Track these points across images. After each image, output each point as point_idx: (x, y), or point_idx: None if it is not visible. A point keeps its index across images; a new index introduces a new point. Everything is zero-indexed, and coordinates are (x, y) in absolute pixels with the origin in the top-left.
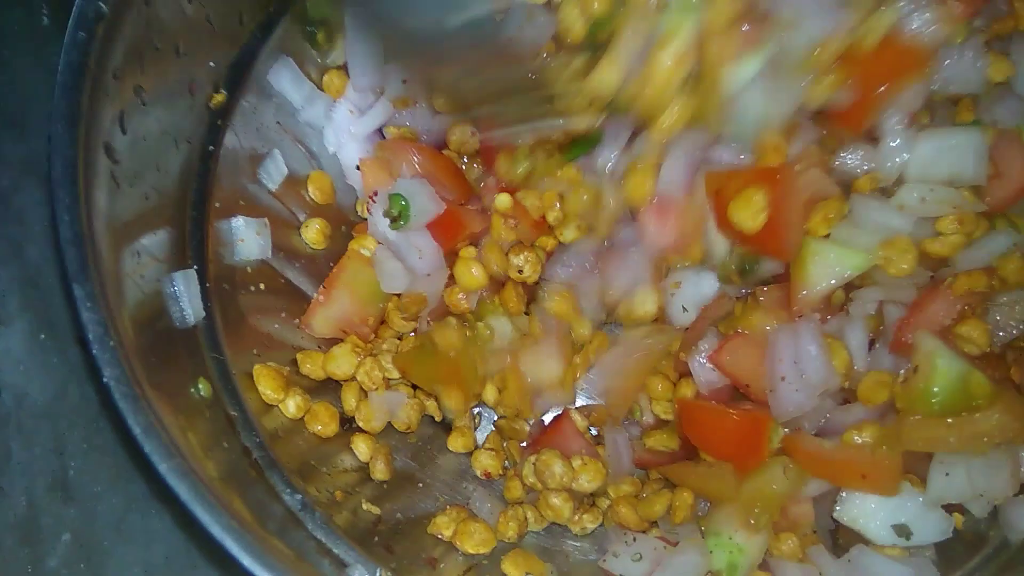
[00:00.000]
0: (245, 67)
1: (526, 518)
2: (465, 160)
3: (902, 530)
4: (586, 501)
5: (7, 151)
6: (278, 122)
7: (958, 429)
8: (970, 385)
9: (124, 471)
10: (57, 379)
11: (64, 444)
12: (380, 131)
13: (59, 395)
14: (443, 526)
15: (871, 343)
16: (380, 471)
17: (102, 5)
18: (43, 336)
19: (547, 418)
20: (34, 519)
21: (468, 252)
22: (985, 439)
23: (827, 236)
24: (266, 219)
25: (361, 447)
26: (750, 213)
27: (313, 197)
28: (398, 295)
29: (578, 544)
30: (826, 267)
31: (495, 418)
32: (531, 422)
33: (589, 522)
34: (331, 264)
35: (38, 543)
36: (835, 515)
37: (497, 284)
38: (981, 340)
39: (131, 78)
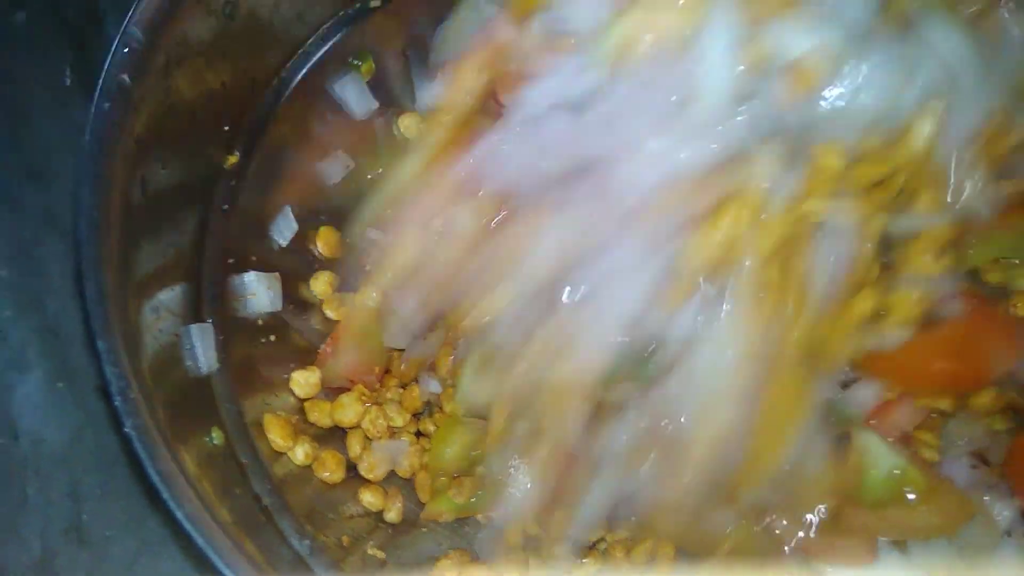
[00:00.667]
0: (258, 129)
1: (528, 561)
2: None
3: None
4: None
5: (29, 203)
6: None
7: (891, 522)
8: (904, 480)
9: (137, 515)
10: (73, 426)
11: (79, 489)
12: None
13: (75, 441)
14: (446, 568)
15: None
16: (395, 513)
17: (125, 78)
18: (61, 384)
19: None
20: (49, 562)
21: None
22: (920, 532)
23: None
24: (277, 273)
25: (368, 497)
26: None
27: (321, 251)
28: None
29: None
30: None
31: None
32: None
33: (592, 567)
34: None
35: None
36: None
37: None
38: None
39: (151, 143)
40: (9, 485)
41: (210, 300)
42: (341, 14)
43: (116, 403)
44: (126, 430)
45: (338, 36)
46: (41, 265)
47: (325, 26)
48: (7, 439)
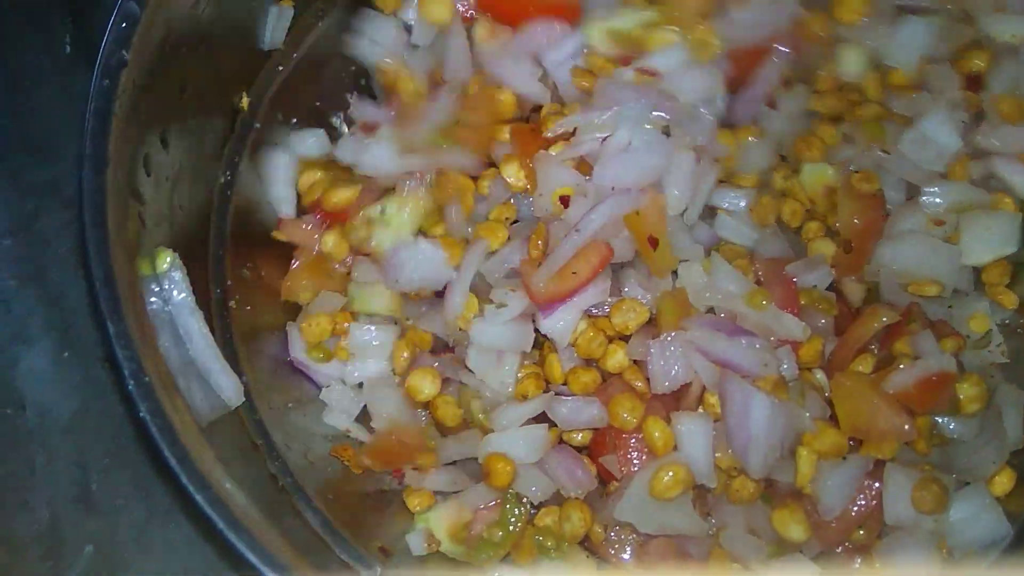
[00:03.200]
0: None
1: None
2: None
3: None
4: None
5: (30, 176)
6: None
7: None
8: None
9: (145, 484)
10: (80, 395)
11: (86, 458)
12: None
13: (82, 411)
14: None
15: None
16: None
17: (124, 53)
18: (66, 354)
19: None
20: (57, 531)
21: None
22: None
23: None
24: None
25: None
26: None
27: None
28: None
29: None
30: None
31: None
32: None
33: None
34: None
35: (61, 555)
36: None
37: None
38: None
39: (154, 122)
40: (17, 455)
41: (216, 278)
42: None
43: (129, 387)
44: (141, 415)
45: None
46: (43, 235)
47: None
48: (14, 410)
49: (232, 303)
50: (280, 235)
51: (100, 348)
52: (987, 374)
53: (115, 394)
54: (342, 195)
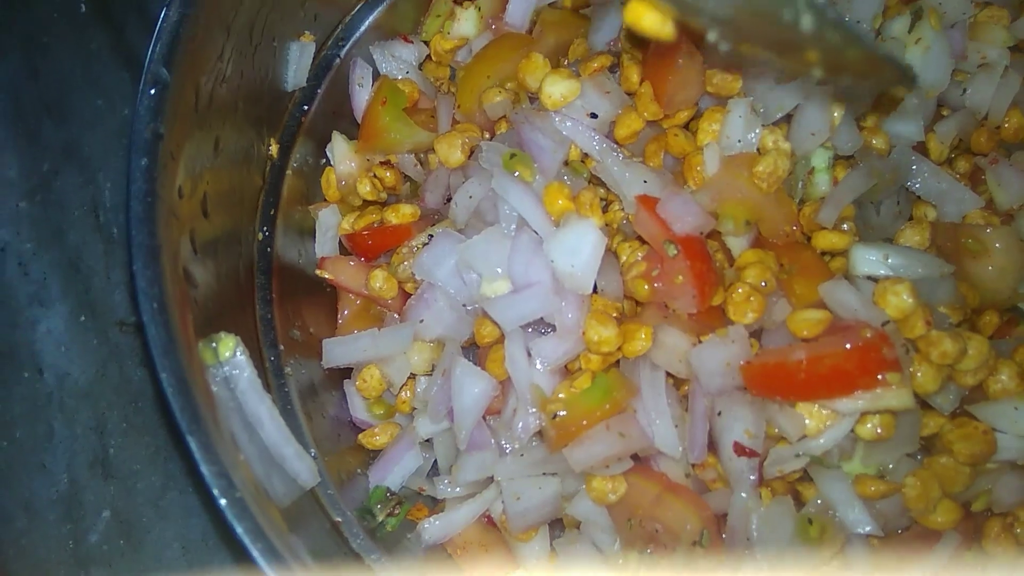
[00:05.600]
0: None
1: None
2: None
3: None
4: None
5: (48, 136)
6: None
7: None
8: None
9: (163, 450)
10: (97, 360)
11: (104, 423)
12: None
13: (99, 376)
14: None
15: None
16: None
17: (159, 125)
18: (83, 318)
19: None
20: (75, 496)
21: None
22: None
23: None
24: None
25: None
26: None
27: None
28: None
29: None
30: None
31: None
32: None
33: None
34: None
35: (79, 519)
36: None
37: None
38: None
39: (195, 191)
40: (35, 420)
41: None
42: None
43: (221, 505)
44: (238, 535)
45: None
46: (61, 197)
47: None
48: (32, 373)
49: (288, 368)
50: (324, 273)
51: (118, 312)
52: None
53: (132, 359)
54: (406, 212)
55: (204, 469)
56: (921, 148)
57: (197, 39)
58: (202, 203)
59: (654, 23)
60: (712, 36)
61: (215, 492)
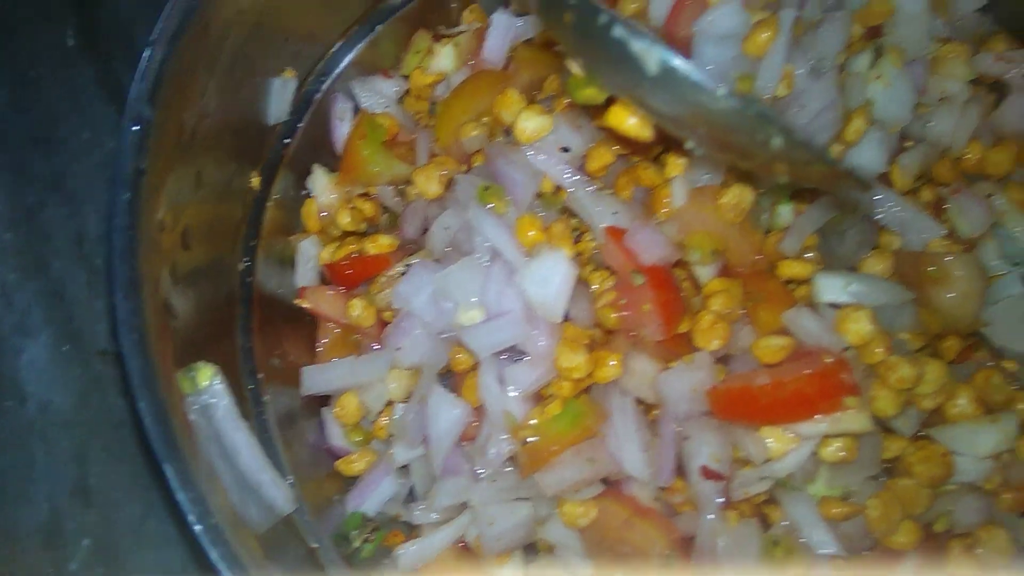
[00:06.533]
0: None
1: None
2: None
3: None
4: None
5: (35, 168)
6: None
7: None
8: None
9: (142, 478)
10: (79, 389)
11: (86, 452)
12: None
13: (81, 405)
14: None
15: None
16: None
17: (142, 161)
18: (66, 348)
19: None
20: (56, 524)
21: None
22: None
23: None
24: None
25: None
26: None
27: None
28: None
29: None
30: None
31: None
32: None
33: None
34: None
35: (60, 547)
36: None
37: None
38: None
39: (176, 225)
40: (17, 448)
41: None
42: None
43: (196, 531)
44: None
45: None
46: (45, 228)
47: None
48: (14, 402)
49: (267, 396)
50: (304, 302)
51: (101, 341)
52: None
53: (113, 388)
54: (384, 242)
55: (180, 496)
56: (886, 179)
57: (179, 78)
58: (183, 235)
59: (634, 127)
60: (689, 144)
61: (191, 518)
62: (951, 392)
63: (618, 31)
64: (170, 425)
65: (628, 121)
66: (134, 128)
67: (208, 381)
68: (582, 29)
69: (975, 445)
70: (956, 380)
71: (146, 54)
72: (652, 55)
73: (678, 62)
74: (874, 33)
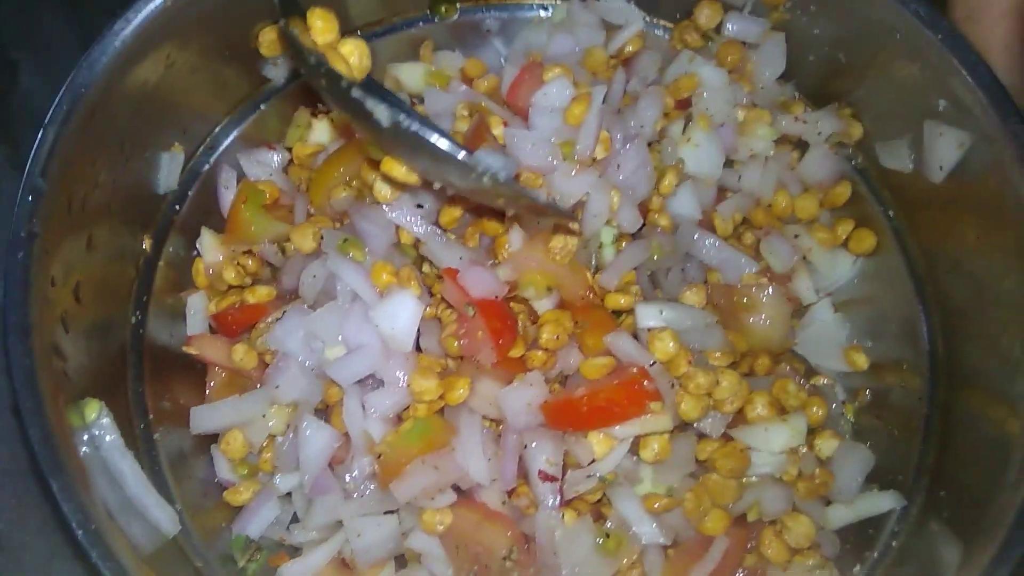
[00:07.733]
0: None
1: None
2: None
3: None
4: None
5: None
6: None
7: None
8: None
9: (49, 524)
10: None
11: None
12: None
13: None
14: None
15: None
16: None
17: (35, 224)
18: None
19: None
20: None
21: None
22: None
23: None
24: None
25: None
26: None
27: None
28: None
29: None
30: None
31: None
32: None
33: None
34: None
35: None
36: None
37: None
38: None
39: (67, 281)
40: None
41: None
42: None
43: (79, 536)
44: (93, 560)
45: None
46: None
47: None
48: None
49: (157, 435)
50: (191, 349)
51: (8, 397)
52: None
53: (20, 443)
54: (262, 292)
55: (64, 506)
56: (709, 224)
57: (69, 154)
58: (74, 290)
59: (402, 173)
60: (436, 185)
61: (73, 525)
62: (751, 399)
63: (355, 92)
64: (55, 447)
65: (396, 170)
66: (28, 198)
67: (95, 415)
68: (333, 91)
69: (769, 442)
70: (757, 389)
71: (40, 134)
72: (380, 111)
73: (402, 116)
74: (685, 104)
